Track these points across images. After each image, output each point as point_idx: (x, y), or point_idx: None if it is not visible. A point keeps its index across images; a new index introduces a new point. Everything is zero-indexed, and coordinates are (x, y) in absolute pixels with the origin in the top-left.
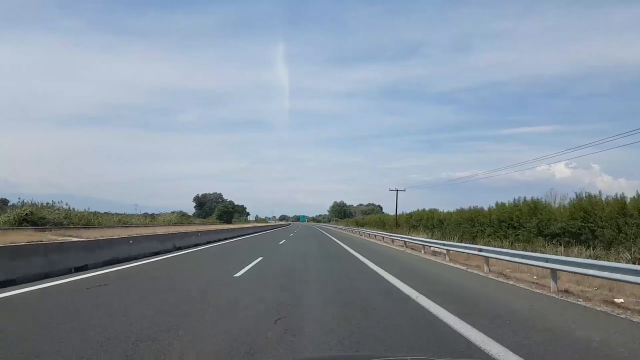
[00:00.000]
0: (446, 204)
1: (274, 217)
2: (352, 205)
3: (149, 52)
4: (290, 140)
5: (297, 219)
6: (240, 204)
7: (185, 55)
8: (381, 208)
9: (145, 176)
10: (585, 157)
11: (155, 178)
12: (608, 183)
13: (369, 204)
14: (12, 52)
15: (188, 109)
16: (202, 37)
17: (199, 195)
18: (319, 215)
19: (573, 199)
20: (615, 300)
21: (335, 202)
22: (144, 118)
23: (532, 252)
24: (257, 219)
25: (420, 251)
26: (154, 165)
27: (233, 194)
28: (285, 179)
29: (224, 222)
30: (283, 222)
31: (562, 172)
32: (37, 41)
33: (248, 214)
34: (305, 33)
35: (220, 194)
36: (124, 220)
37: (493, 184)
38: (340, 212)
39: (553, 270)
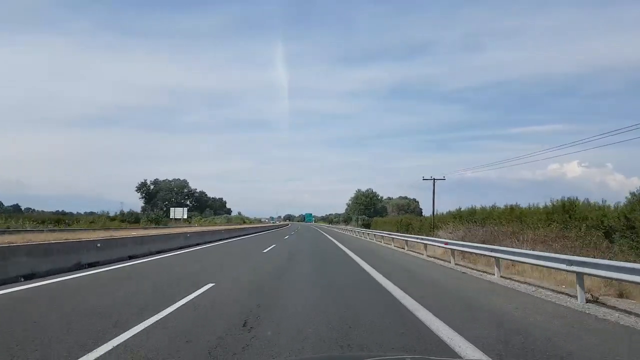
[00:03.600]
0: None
1: (279, 216)
2: (382, 198)
3: (152, 52)
4: (295, 141)
5: (303, 218)
6: (219, 197)
7: (190, 55)
8: (418, 203)
9: (151, 177)
10: (599, 151)
11: (159, 179)
12: (621, 182)
13: (402, 197)
14: (13, 53)
15: (193, 110)
16: (206, 37)
17: (147, 182)
18: (330, 214)
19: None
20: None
21: (359, 190)
22: (150, 118)
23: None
24: (237, 218)
25: None
26: (159, 165)
27: (237, 194)
28: (291, 179)
29: None
30: (278, 223)
31: (574, 170)
32: (42, 42)
33: (230, 210)
34: (311, 32)
35: (185, 181)
36: None
37: (504, 183)
38: (369, 207)
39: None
